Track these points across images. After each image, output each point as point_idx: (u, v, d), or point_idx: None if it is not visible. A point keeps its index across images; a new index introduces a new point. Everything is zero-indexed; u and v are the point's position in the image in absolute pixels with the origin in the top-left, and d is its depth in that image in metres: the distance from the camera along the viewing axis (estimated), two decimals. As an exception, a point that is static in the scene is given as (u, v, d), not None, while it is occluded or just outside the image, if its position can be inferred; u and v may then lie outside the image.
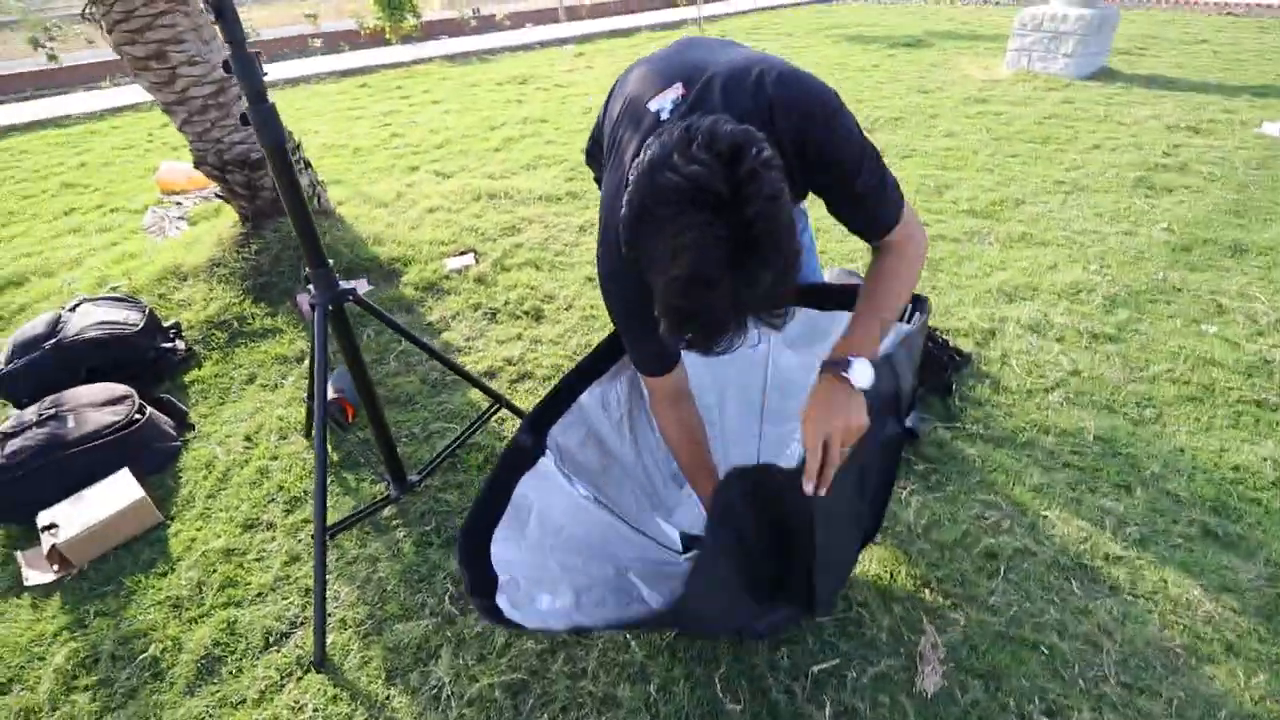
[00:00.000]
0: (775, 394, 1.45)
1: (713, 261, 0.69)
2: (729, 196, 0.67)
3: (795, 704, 1.21)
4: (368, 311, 1.41)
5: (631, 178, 0.75)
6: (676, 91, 0.94)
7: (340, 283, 1.30)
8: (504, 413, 1.80)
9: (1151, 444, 1.74)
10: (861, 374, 0.88)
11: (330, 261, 1.27)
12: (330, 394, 1.89)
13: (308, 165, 2.78)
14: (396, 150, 4.42)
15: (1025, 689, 1.21)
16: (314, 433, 1.29)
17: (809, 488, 0.87)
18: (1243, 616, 1.32)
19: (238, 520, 1.62)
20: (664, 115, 0.93)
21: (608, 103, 1.15)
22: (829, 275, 2.32)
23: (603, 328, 2.33)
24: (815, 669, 1.25)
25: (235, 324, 2.36)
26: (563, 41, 8.27)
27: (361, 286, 2.56)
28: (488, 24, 9.92)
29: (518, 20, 10.05)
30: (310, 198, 2.76)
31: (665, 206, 0.70)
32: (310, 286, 1.28)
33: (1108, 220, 2.93)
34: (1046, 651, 1.27)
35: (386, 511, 1.61)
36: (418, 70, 7.14)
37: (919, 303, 1.08)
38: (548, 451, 1.23)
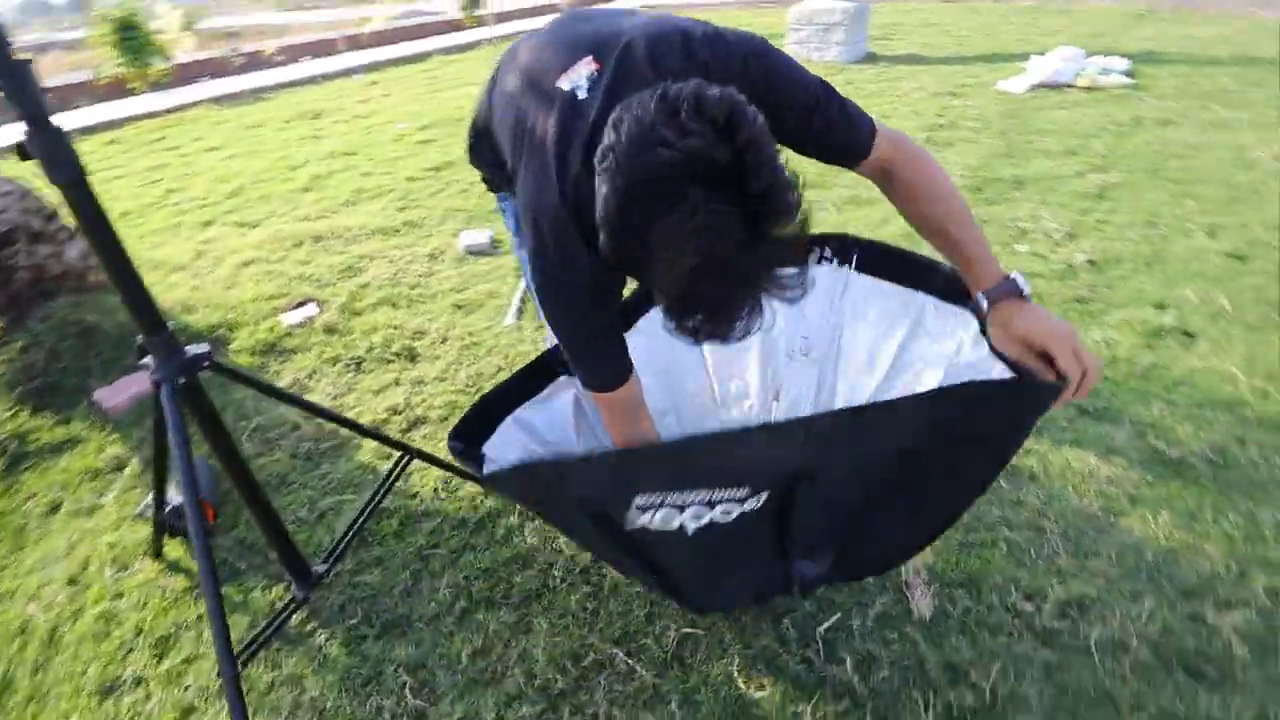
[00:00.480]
0: (719, 378, 1.40)
1: (727, 241, 0.60)
2: (733, 167, 0.59)
3: (816, 670, 1.18)
4: (233, 379, 1.13)
5: (601, 165, 0.64)
6: (589, 66, 0.84)
7: (187, 348, 1.02)
8: (416, 463, 1.56)
9: (1015, 357, 1.96)
10: (1026, 283, 0.87)
11: (170, 324, 1.00)
12: (175, 497, 1.52)
13: (73, 235, 2.26)
14: (178, 206, 3.79)
15: (1001, 583, 1.29)
16: (193, 539, 1.00)
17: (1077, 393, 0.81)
18: (1131, 470, 1.52)
19: (89, 689, 1.23)
20: (581, 94, 0.82)
21: (491, 89, 1.02)
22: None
23: (489, 352, 2.15)
24: (821, 630, 1.23)
25: (14, 444, 1.84)
26: (350, 72, 7.71)
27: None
28: (257, 61, 8.98)
29: (292, 54, 9.22)
30: (83, 272, 2.24)
31: (660, 186, 0.60)
32: (145, 360, 1.00)
33: (914, 176, 3.29)
34: (1005, 546, 1.36)
35: (296, 618, 1.32)
36: (182, 117, 6.25)
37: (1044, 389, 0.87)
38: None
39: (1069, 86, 4.56)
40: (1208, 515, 1.40)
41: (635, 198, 0.62)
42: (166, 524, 1.44)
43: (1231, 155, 3.24)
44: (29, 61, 0.78)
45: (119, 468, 1.78)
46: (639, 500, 0.84)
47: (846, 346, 1.32)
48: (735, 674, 1.18)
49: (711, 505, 0.86)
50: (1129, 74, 4.72)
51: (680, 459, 0.83)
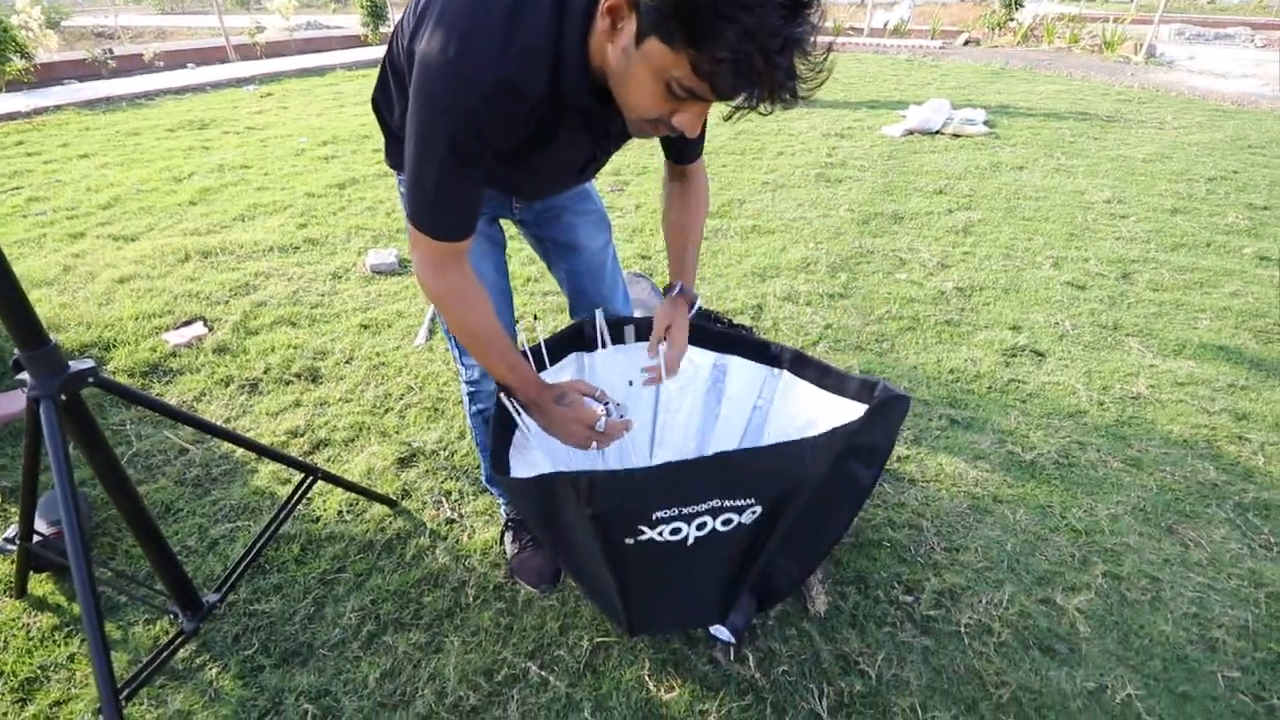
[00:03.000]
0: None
1: None
2: None
3: (721, 668, 1.24)
4: (118, 395, 1.07)
5: None
6: None
7: (71, 363, 0.96)
8: (318, 487, 1.51)
9: (896, 367, 2.16)
10: (695, 302, 1.26)
11: (54, 339, 0.94)
12: (44, 528, 1.39)
13: (-85, 240, 2.02)
14: (40, 217, 3.45)
15: (885, 579, 1.42)
16: (74, 567, 0.93)
17: (666, 370, 1.21)
18: (994, 473, 1.71)
19: (-70, 743, 1.10)
20: None
21: (401, 26, 0.92)
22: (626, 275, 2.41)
23: (398, 373, 2.11)
24: (728, 638, 1.29)
25: None
26: (241, 82, 7.32)
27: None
28: (133, 65, 8.34)
29: (174, 60, 8.64)
30: (-72, 283, 2.01)
31: None
32: (23, 376, 0.93)
33: (808, 208, 3.55)
34: (889, 544, 1.50)
35: (184, 651, 1.24)
36: (44, 121, 5.69)
37: (901, 401, 1.09)
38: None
39: (938, 133, 5.08)
40: (1056, 510, 1.60)
41: None
42: (33, 556, 1.31)
43: (1072, 197, 3.72)
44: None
45: (-32, 500, 1.60)
46: (658, 513, 0.91)
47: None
48: (646, 677, 1.22)
49: (715, 514, 0.94)
50: (988, 123, 5.32)
51: (717, 467, 0.91)
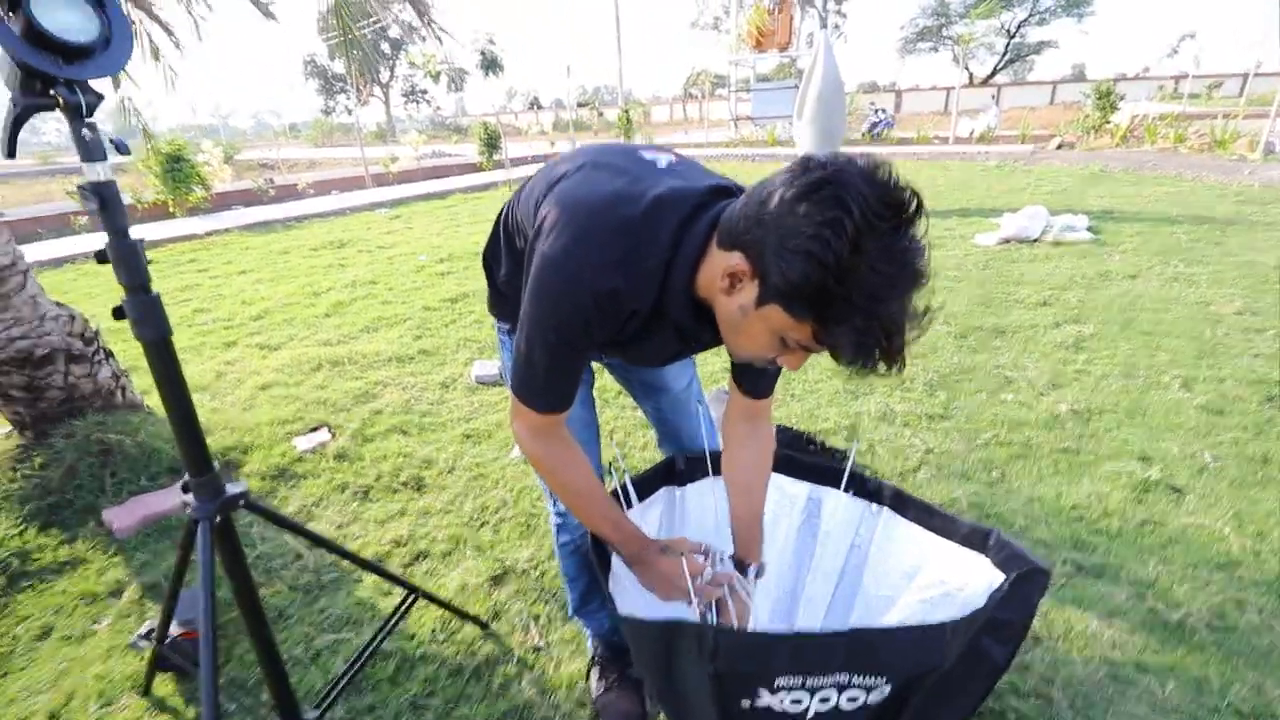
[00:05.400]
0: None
1: (922, 261, 0.70)
2: (915, 212, 0.70)
3: None
4: (265, 518, 1.18)
5: (824, 207, 0.68)
6: (667, 154, 0.96)
7: (227, 485, 1.09)
8: (421, 603, 1.56)
9: (1008, 501, 2.00)
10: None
11: (215, 464, 1.07)
12: (174, 628, 1.51)
13: (109, 355, 2.38)
14: (204, 326, 3.98)
15: None
16: (202, 676, 1.00)
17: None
18: (1135, 635, 1.51)
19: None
20: (661, 163, 0.93)
21: (518, 198, 1.05)
22: (709, 395, 2.45)
23: (495, 485, 2.19)
24: None
25: (15, 563, 1.83)
26: (375, 206, 8.31)
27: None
28: (288, 193, 9.69)
29: (322, 188, 9.97)
30: (113, 391, 2.34)
31: (883, 221, 0.68)
32: (188, 498, 1.06)
33: (902, 321, 3.50)
34: (1015, 717, 1.33)
35: (283, 768, 1.27)
36: (213, 241, 6.67)
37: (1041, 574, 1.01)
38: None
39: (1037, 241, 4.95)
40: (1215, 685, 1.39)
41: (870, 226, 0.67)
42: (163, 657, 1.41)
43: (1196, 309, 3.47)
44: (141, 241, 0.91)
45: (117, 593, 1.77)
46: (781, 679, 0.88)
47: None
48: None
49: (841, 690, 0.89)
50: (1091, 229, 5.14)
51: (851, 642, 0.87)
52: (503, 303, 1.17)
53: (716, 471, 1.38)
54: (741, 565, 1.15)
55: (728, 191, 0.89)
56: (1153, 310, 3.50)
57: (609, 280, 0.82)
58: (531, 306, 0.86)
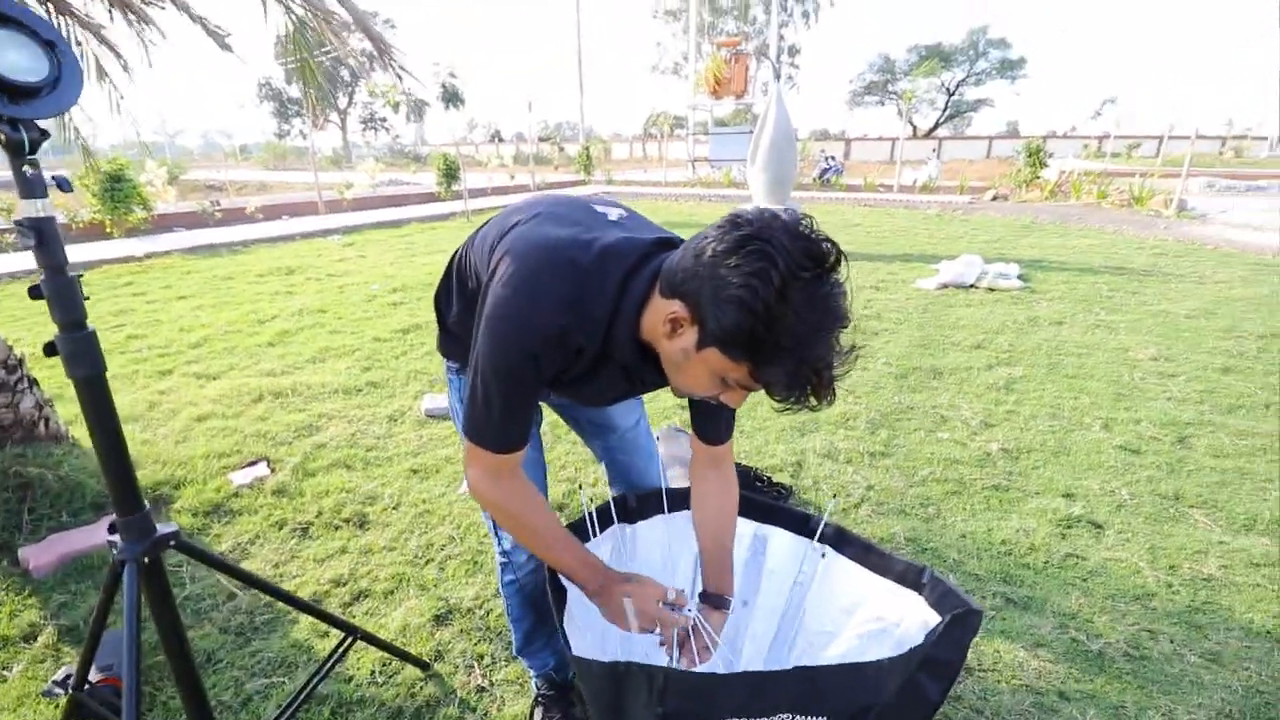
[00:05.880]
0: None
1: (843, 306, 0.77)
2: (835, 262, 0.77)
3: None
4: (198, 560, 1.14)
5: (751, 260, 0.74)
6: (616, 208, 1.02)
7: (159, 525, 1.05)
8: (360, 644, 1.52)
9: (943, 535, 2.09)
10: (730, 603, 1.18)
11: (147, 504, 1.04)
12: (93, 674, 1.42)
13: (33, 384, 2.27)
14: (137, 354, 3.82)
15: None
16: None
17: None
18: (1058, 665, 1.59)
19: None
20: (611, 216, 0.98)
21: (471, 242, 1.08)
22: (659, 433, 2.48)
23: (441, 522, 2.16)
24: None
25: (-87, 608, 1.70)
26: (328, 232, 8.17)
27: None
28: (235, 216, 9.44)
29: (272, 212, 9.75)
30: (35, 422, 2.22)
31: (806, 272, 0.74)
32: (114, 538, 1.02)
33: (848, 361, 3.63)
34: (948, 756, 1.37)
35: (204, 825, 1.20)
36: (152, 264, 6.43)
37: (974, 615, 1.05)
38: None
39: (973, 287, 5.23)
40: (1130, 713, 1.46)
41: (791, 282, 0.73)
42: (80, 704, 1.33)
43: (1115, 354, 3.72)
44: (78, 276, 0.90)
45: (30, 636, 1.66)
46: None
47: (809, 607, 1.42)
48: None
49: None
50: (1022, 277, 5.46)
51: (797, 680, 0.89)
52: (452, 343, 1.19)
53: (668, 509, 1.41)
54: (715, 599, 1.18)
55: (671, 244, 0.94)
56: (1076, 355, 3.73)
57: (558, 319, 0.86)
58: (485, 345, 0.89)
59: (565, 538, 1.05)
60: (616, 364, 0.96)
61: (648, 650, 1.34)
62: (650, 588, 1.06)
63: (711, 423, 1.14)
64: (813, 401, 0.79)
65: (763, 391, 0.82)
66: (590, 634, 1.24)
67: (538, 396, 0.97)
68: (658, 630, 1.06)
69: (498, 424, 0.94)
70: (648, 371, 0.95)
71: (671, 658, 1.10)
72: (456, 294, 1.12)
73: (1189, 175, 10.05)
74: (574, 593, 1.16)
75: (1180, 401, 3.08)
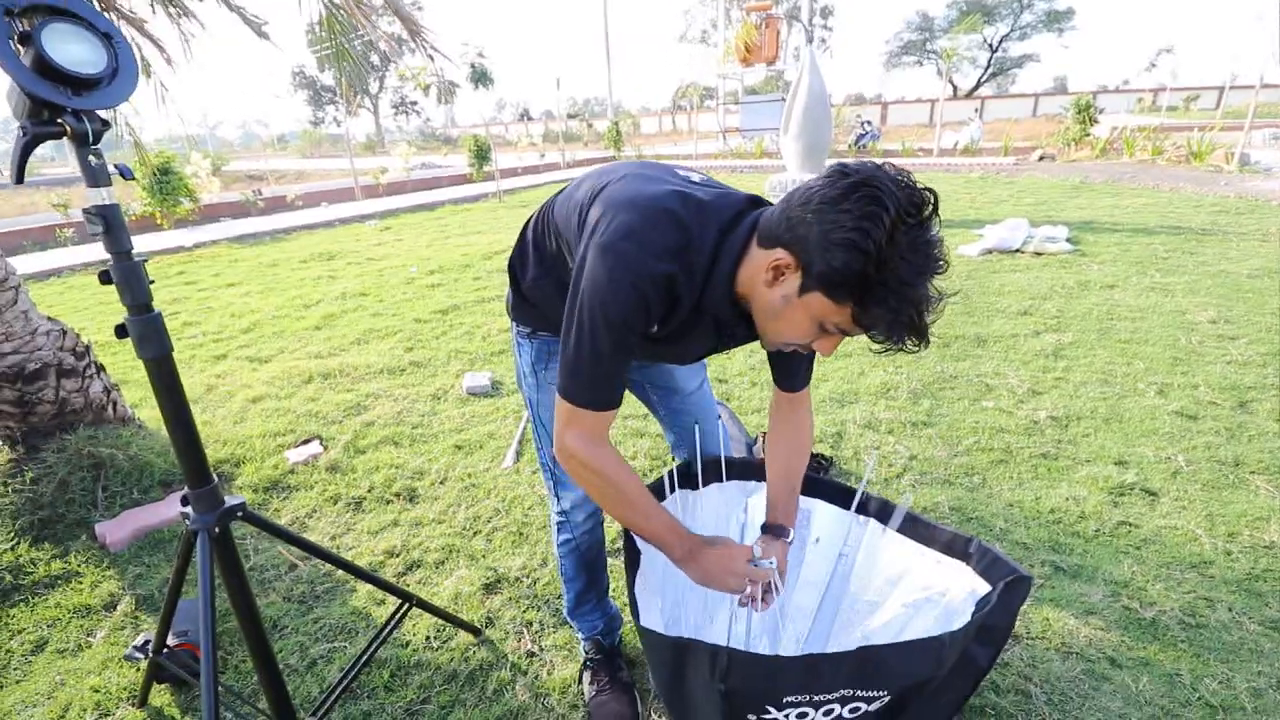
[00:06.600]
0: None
1: (941, 252, 0.80)
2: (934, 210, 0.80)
3: None
4: (263, 529, 1.21)
5: (863, 205, 0.76)
6: (696, 173, 1.04)
7: (226, 498, 1.11)
8: (415, 611, 1.59)
9: (989, 505, 2.06)
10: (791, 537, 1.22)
11: (216, 477, 1.10)
12: (170, 639, 1.52)
13: (100, 369, 2.39)
14: (193, 340, 3.98)
15: None
16: (203, 687, 1.03)
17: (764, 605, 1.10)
18: (1110, 633, 1.56)
19: None
20: (694, 179, 1.00)
21: (552, 206, 1.10)
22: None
23: (487, 495, 2.22)
24: None
25: (8, 577, 1.83)
26: (364, 218, 8.32)
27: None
28: (277, 205, 9.68)
29: (311, 200, 9.96)
30: (104, 405, 2.35)
31: (911, 218, 0.77)
32: (187, 509, 1.08)
33: (887, 331, 3.57)
34: (994, 712, 1.37)
35: (279, 776, 1.29)
36: (201, 254, 6.66)
37: (1024, 581, 1.05)
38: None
39: (1019, 251, 5.05)
40: (1186, 680, 1.44)
41: (902, 220, 0.76)
42: (160, 668, 1.43)
43: (1172, 318, 3.56)
44: (143, 261, 0.95)
45: (111, 605, 1.78)
46: (789, 697, 0.92)
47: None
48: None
49: (844, 703, 0.93)
50: (1071, 240, 5.25)
51: (858, 660, 0.90)
52: (525, 306, 1.22)
53: (728, 478, 1.42)
54: (777, 529, 1.21)
55: (762, 202, 0.98)
56: (1130, 319, 3.58)
57: (667, 265, 0.89)
58: (590, 296, 0.89)
59: (656, 504, 1.07)
60: (709, 317, 0.98)
61: (714, 614, 1.37)
62: (737, 549, 1.08)
63: (792, 373, 1.17)
64: (910, 343, 0.82)
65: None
66: (661, 599, 1.27)
67: (634, 353, 0.95)
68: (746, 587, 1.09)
69: (603, 378, 0.93)
70: (739, 325, 0.99)
71: (746, 608, 1.14)
72: (534, 259, 1.14)
73: (1253, 127, 9.44)
74: (648, 557, 1.18)
75: (1241, 365, 2.95)
